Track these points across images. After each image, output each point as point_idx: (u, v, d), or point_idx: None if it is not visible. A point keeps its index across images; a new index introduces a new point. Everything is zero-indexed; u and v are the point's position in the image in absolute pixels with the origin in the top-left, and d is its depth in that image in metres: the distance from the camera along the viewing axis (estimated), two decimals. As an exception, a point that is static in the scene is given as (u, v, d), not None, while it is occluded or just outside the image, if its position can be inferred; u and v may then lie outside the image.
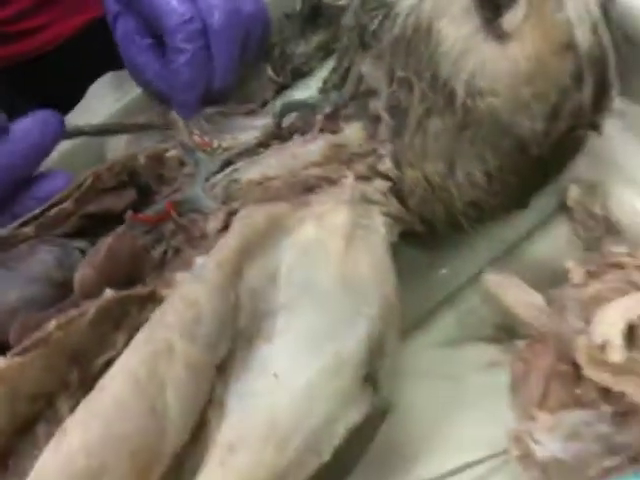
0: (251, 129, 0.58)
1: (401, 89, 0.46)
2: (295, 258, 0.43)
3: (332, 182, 0.47)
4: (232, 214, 0.46)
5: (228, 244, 0.42)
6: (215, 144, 0.56)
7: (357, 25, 0.50)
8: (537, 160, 0.45)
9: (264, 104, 0.65)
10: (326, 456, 0.42)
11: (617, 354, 0.37)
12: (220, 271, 0.41)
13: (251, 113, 0.62)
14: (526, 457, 0.42)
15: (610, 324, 0.38)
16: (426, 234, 0.51)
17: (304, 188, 0.48)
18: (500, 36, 0.44)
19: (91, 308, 0.41)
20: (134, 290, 0.42)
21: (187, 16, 0.55)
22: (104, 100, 0.67)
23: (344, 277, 0.42)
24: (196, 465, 0.41)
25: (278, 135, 0.54)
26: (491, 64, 0.44)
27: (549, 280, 0.46)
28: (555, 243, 0.52)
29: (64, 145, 0.59)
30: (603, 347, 0.38)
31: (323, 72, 0.63)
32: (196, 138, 0.56)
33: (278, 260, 0.43)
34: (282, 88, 0.66)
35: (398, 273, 0.46)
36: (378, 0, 0.49)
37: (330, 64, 0.61)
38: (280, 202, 0.44)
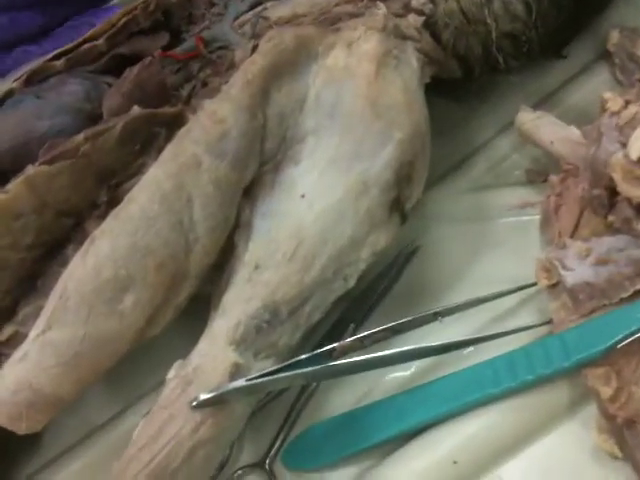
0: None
1: None
2: (324, 83, 0.42)
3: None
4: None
5: (256, 63, 0.41)
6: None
7: None
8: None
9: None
10: (352, 281, 0.42)
11: (653, 167, 0.36)
12: (247, 89, 0.41)
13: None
14: (555, 285, 0.41)
15: (647, 139, 0.37)
16: (459, 82, 0.49)
17: (334, 24, 0.47)
18: None
19: (119, 123, 0.41)
20: (161, 109, 0.42)
21: None
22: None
23: (373, 100, 0.41)
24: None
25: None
26: None
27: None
28: (594, 90, 0.50)
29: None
30: (639, 162, 0.37)
31: None
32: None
33: (306, 85, 0.43)
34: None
35: (430, 124, 0.45)
36: None
37: None
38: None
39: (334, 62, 0.43)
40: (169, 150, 0.40)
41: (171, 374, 0.39)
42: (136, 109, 0.41)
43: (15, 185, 0.38)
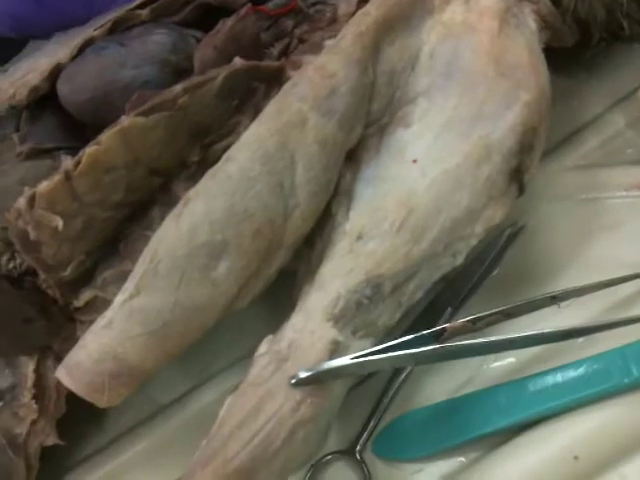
0: None
1: None
2: (440, 39, 0.39)
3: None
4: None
5: (369, 14, 0.38)
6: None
7: None
8: None
9: None
10: (460, 258, 0.38)
11: None
12: (359, 42, 0.37)
13: None
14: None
15: None
16: (572, 48, 0.46)
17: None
18: None
19: (220, 74, 0.37)
20: (264, 62, 0.39)
21: None
22: None
23: (497, 58, 0.37)
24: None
25: None
26: None
27: None
28: None
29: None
30: None
31: None
32: None
33: (420, 41, 0.39)
34: None
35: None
36: None
37: None
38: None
39: (451, 17, 0.39)
40: (273, 106, 0.37)
41: (262, 349, 0.36)
42: (238, 61, 0.38)
43: (108, 136, 0.35)
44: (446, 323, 0.38)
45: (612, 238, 0.43)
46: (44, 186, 0.36)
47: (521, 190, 0.39)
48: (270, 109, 0.37)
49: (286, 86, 0.37)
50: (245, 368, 0.36)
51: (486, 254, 0.43)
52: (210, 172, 0.36)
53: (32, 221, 0.36)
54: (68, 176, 0.35)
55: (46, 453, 0.40)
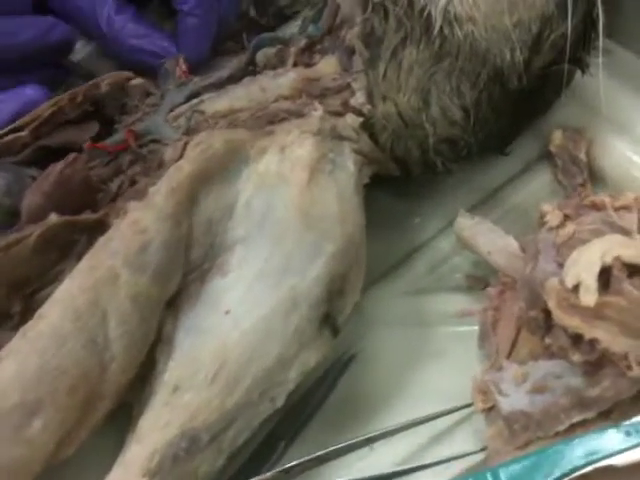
0: (226, 67, 0.55)
1: (376, 16, 0.43)
2: (254, 189, 0.40)
3: (301, 116, 0.45)
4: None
5: (182, 169, 0.39)
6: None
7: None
8: (517, 95, 0.43)
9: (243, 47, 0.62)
10: (280, 402, 0.40)
11: (590, 297, 0.34)
12: (172, 198, 0.38)
13: (229, 53, 0.59)
14: (491, 410, 0.39)
15: (584, 265, 0.35)
16: (400, 178, 0.48)
17: (271, 122, 0.45)
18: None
19: (34, 232, 0.38)
20: (81, 216, 0.39)
21: None
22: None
23: (305, 211, 0.39)
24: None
25: (251, 71, 0.51)
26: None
27: (528, 229, 0.44)
28: (536, 191, 0.49)
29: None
30: (575, 290, 0.35)
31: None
32: (178, 69, 0.53)
33: (236, 191, 0.41)
34: (263, 31, 0.64)
35: (371, 220, 0.44)
36: None
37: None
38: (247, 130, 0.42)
39: (266, 167, 0.41)
40: (85, 262, 0.37)
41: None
42: (53, 217, 0.38)
43: None
44: (280, 457, 0.39)
45: (436, 367, 0.44)
46: None
47: (335, 332, 0.40)
48: (83, 265, 0.37)
49: (101, 240, 0.38)
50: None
51: (320, 383, 0.44)
52: (22, 330, 0.37)
53: None
54: None
55: None
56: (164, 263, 0.38)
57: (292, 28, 0.60)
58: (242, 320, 0.38)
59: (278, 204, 0.40)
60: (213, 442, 0.37)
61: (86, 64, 0.59)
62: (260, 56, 0.52)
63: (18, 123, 0.47)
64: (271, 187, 0.40)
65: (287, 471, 0.37)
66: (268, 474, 0.37)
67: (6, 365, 0.36)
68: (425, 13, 0.41)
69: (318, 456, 0.38)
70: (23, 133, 0.46)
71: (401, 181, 0.49)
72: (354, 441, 0.38)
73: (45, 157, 0.46)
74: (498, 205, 0.50)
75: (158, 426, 0.37)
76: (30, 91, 0.50)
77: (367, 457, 0.39)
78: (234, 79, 0.50)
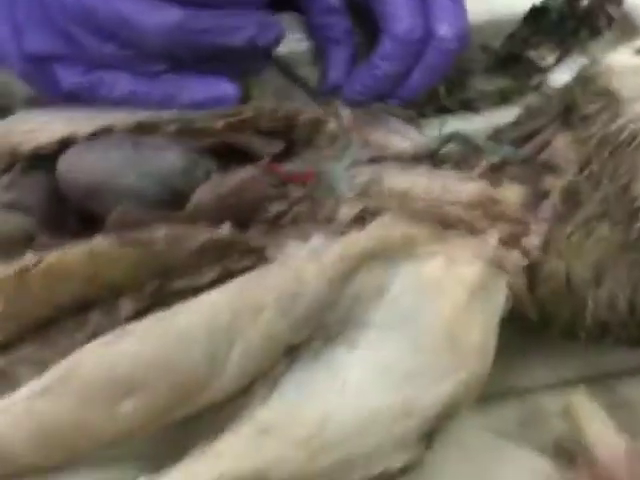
0: (404, 136, 0.56)
1: (587, 182, 0.44)
2: (409, 286, 0.41)
3: (473, 231, 0.45)
4: (367, 211, 0.44)
5: (358, 243, 0.40)
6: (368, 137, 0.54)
7: (570, 99, 0.48)
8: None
9: (421, 114, 0.63)
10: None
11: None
12: (340, 264, 0.39)
13: (409, 120, 0.60)
14: None
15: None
16: (534, 327, 0.48)
17: (442, 222, 0.46)
18: None
19: (204, 234, 0.39)
20: (248, 238, 0.40)
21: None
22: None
23: (451, 330, 0.40)
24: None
25: (431, 157, 0.52)
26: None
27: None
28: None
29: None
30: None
31: (493, 117, 0.61)
32: (350, 123, 0.54)
33: (393, 279, 0.41)
34: (442, 109, 0.65)
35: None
36: (602, 87, 0.47)
37: (501, 112, 0.60)
38: (422, 225, 0.42)
39: (430, 272, 0.41)
40: (239, 283, 0.38)
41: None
42: (227, 228, 0.40)
43: (76, 252, 0.37)
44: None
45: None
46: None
47: (430, 445, 0.40)
48: (235, 285, 0.38)
49: (260, 270, 0.39)
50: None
51: None
52: (158, 315, 0.38)
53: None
54: (24, 271, 0.36)
55: None
56: (306, 316, 0.39)
57: (473, 123, 0.61)
58: (355, 397, 0.38)
59: (427, 311, 0.40)
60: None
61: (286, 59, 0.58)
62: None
63: (215, 113, 0.48)
64: (427, 292, 0.41)
65: None
66: None
67: (128, 341, 0.37)
68: (635, 206, 0.42)
69: None
70: (217, 124, 0.47)
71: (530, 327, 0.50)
72: None
73: (225, 153, 0.48)
74: (609, 391, 0.48)
75: (234, 454, 0.37)
76: (225, 85, 0.50)
77: None
78: (415, 158, 0.51)
